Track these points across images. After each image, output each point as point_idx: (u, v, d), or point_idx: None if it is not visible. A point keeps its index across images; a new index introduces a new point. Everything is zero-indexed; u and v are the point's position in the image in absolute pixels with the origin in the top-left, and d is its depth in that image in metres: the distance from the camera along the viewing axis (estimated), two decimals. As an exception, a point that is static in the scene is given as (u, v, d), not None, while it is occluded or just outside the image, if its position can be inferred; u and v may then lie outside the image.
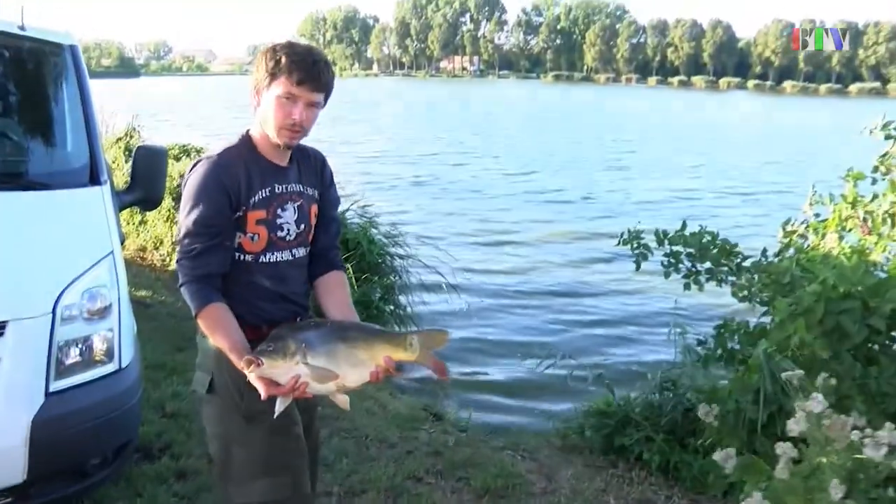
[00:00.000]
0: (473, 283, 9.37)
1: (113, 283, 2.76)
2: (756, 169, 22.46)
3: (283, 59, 1.94)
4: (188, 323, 5.57)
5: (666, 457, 3.97)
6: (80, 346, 2.61)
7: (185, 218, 1.97)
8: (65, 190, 2.99)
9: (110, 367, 2.69)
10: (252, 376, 1.82)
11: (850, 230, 4.20)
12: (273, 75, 1.95)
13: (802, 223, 4.41)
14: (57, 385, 2.50)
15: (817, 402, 2.06)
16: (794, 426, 2.07)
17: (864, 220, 3.92)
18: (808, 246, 4.29)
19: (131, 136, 10.27)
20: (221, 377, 2.03)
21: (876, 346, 3.12)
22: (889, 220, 3.83)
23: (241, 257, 2.03)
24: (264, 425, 2.00)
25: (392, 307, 6.82)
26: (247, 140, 2.07)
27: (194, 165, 2.03)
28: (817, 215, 4.38)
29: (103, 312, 2.69)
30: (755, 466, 2.48)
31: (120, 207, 3.40)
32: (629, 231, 4.33)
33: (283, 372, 1.81)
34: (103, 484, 2.86)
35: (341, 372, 1.85)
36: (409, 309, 6.92)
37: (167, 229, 8.16)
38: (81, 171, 3.10)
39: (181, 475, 3.35)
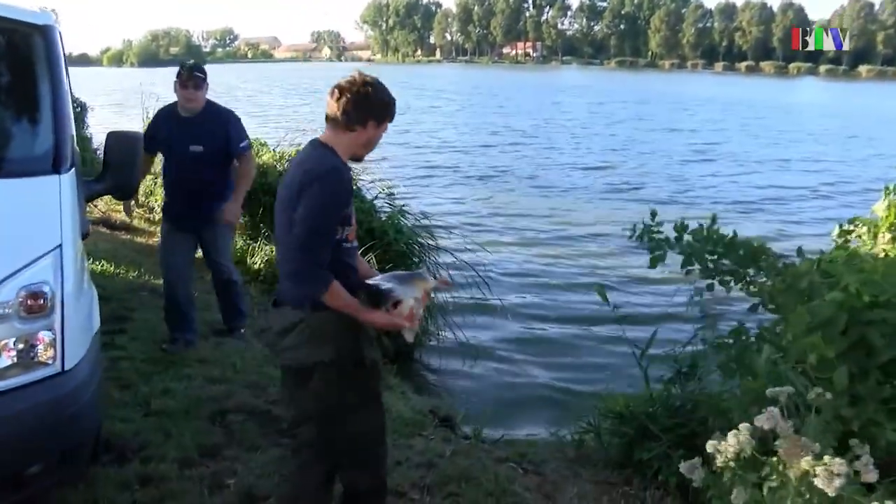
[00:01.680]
0: (513, 276, 9.08)
1: (57, 279, 2.56)
2: (855, 162, 20.98)
3: (391, 107, 2.54)
4: (205, 314, 5.46)
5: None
6: (13, 346, 2.42)
7: (319, 216, 2.37)
8: (18, 179, 2.80)
9: (51, 370, 2.49)
10: (386, 319, 2.47)
11: None
12: (386, 117, 2.54)
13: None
14: (-18, 389, 2.32)
15: (768, 417, 1.75)
16: (732, 440, 1.78)
17: None
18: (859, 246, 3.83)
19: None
20: (343, 349, 2.44)
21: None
22: None
23: (347, 245, 2.55)
24: (376, 397, 2.61)
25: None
26: (335, 152, 2.50)
27: (327, 172, 2.40)
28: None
29: (43, 310, 2.50)
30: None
31: (88, 197, 3.22)
32: (644, 223, 3.89)
33: (404, 308, 2.48)
34: (48, 491, 2.69)
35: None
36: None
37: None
38: (42, 158, 2.90)
39: (147, 480, 3.16)
